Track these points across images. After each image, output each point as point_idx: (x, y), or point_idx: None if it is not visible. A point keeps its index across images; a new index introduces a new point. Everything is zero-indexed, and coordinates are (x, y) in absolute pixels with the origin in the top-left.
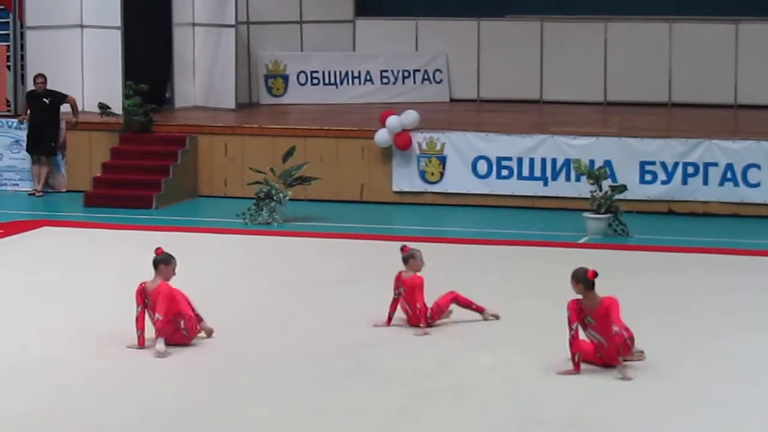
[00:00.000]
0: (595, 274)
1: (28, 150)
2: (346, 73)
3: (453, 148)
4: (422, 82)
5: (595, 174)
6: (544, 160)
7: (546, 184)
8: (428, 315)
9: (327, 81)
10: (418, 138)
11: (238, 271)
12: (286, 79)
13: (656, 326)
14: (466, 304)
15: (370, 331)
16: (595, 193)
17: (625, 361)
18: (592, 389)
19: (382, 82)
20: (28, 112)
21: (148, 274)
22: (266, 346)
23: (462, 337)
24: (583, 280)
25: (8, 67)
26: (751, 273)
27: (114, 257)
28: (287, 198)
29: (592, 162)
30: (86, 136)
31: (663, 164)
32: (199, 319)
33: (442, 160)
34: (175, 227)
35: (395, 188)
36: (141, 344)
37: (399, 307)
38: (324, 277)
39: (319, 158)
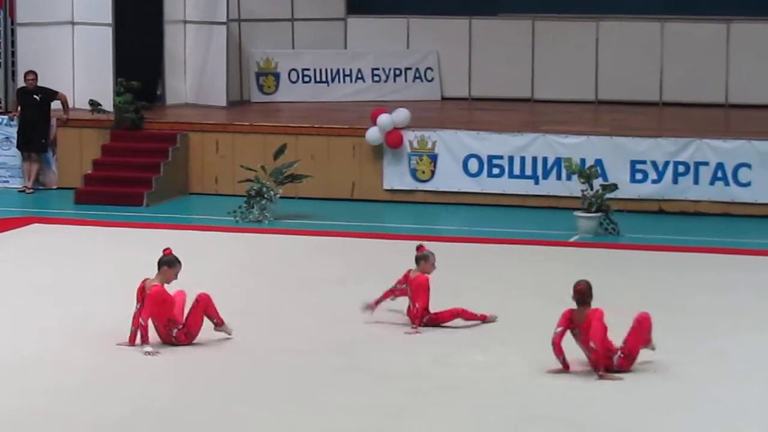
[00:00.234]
0: (579, 293)
1: (18, 147)
2: (338, 71)
3: (444, 146)
4: (414, 81)
5: (586, 173)
6: (535, 159)
7: (537, 183)
8: (423, 318)
9: (318, 79)
10: (410, 136)
11: (230, 269)
12: (277, 76)
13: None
14: (471, 318)
15: (364, 328)
16: (586, 192)
17: (604, 374)
18: (586, 388)
19: (373, 80)
20: (19, 108)
21: (138, 271)
22: (259, 344)
23: (456, 336)
24: (573, 293)
25: None
26: (741, 272)
27: (105, 255)
28: (278, 196)
29: (583, 161)
30: (77, 133)
31: (654, 163)
32: (219, 323)
33: (434, 159)
34: (165, 225)
35: (386, 186)
36: (131, 342)
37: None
38: (316, 275)
39: (310, 156)
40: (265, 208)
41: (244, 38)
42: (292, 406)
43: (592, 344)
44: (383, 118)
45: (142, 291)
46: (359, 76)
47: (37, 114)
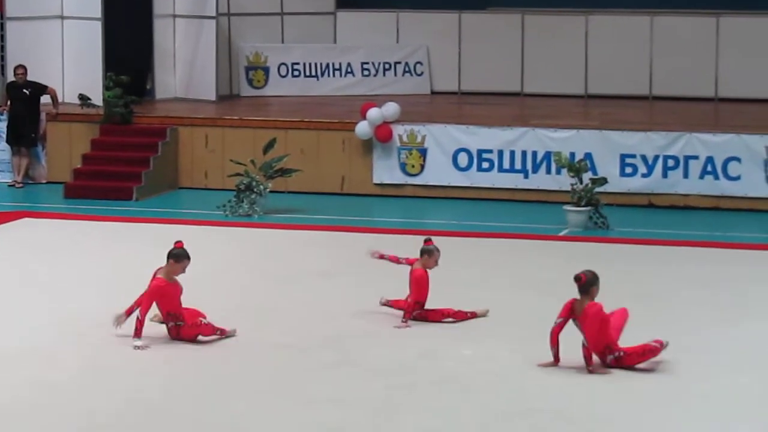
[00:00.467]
0: (578, 281)
1: (8, 141)
2: (327, 65)
3: (434, 140)
4: (403, 75)
5: (576, 167)
6: (524, 153)
7: (527, 177)
8: (413, 312)
9: (308, 73)
10: (399, 130)
11: (219, 263)
12: (266, 71)
13: (638, 318)
14: (462, 318)
15: (354, 322)
16: (575, 186)
17: (594, 368)
18: (576, 381)
19: (363, 75)
20: (8, 103)
21: (128, 265)
22: (248, 338)
23: (445, 330)
24: (575, 281)
25: None
26: (731, 266)
27: (94, 249)
28: (268, 190)
29: (572, 155)
30: (66, 128)
31: (643, 157)
32: (218, 331)
33: (423, 153)
34: (155, 219)
35: (376, 180)
36: (127, 312)
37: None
38: (305, 269)
39: (300, 150)
40: (255, 202)
41: (233, 32)
42: (281, 400)
43: (582, 340)
44: (373, 113)
45: (152, 278)
46: (349, 70)
47: (26, 108)
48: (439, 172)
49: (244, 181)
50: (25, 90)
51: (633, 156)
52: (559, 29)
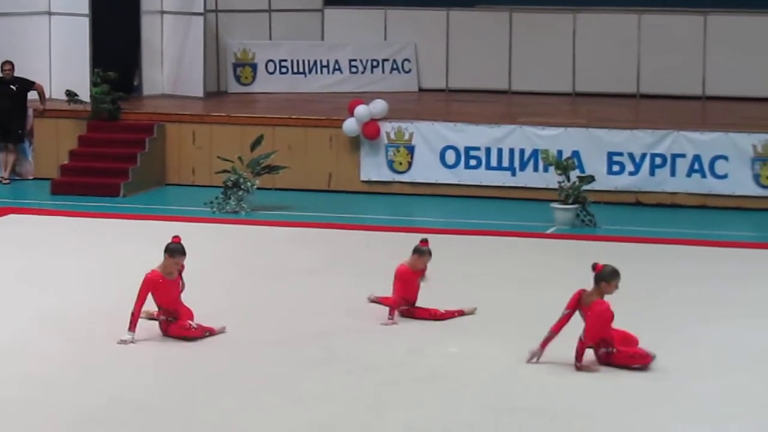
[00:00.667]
0: (595, 270)
1: None
2: (315, 62)
3: (421, 137)
4: (391, 72)
5: (563, 164)
6: (512, 151)
7: (514, 175)
8: (398, 308)
9: (295, 70)
10: (387, 127)
11: (207, 260)
12: (254, 67)
13: (626, 316)
14: (451, 316)
15: (341, 319)
16: (563, 184)
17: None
18: (563, 379)
19: (350, 72)
20: None
21: (115, 261)
22: (238, 335)
23: (433, 327)
24: (592, 269)
25: None
26: (718, 263)
27: (81, 245)
28: (255, 187)
29: (560, 152)
30: (53, 124)
31: (631, 155)
32: (206, 332)
33: (411, 150)
34: (142, 215)
35: (363, 177)
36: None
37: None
38: (293, 266)
39: (287, 147)
40: (242, 199)
41: (221, 29)
42: (269, 397)
43: (580, 335)
44: (360, 110)
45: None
46: (336, 67)
47: (13, 104)
48: (426, 170)
49: (232, 178)
50: (12, 86)
51: (620, 154)
52: (547, 27)
